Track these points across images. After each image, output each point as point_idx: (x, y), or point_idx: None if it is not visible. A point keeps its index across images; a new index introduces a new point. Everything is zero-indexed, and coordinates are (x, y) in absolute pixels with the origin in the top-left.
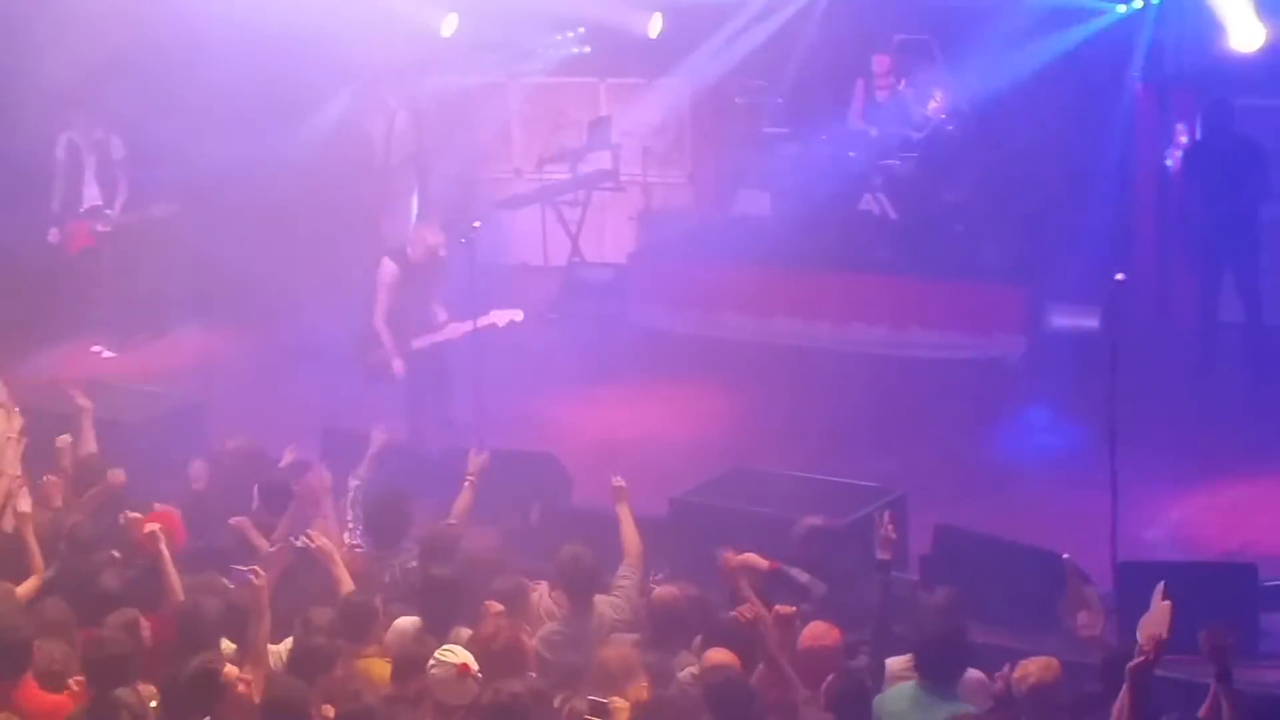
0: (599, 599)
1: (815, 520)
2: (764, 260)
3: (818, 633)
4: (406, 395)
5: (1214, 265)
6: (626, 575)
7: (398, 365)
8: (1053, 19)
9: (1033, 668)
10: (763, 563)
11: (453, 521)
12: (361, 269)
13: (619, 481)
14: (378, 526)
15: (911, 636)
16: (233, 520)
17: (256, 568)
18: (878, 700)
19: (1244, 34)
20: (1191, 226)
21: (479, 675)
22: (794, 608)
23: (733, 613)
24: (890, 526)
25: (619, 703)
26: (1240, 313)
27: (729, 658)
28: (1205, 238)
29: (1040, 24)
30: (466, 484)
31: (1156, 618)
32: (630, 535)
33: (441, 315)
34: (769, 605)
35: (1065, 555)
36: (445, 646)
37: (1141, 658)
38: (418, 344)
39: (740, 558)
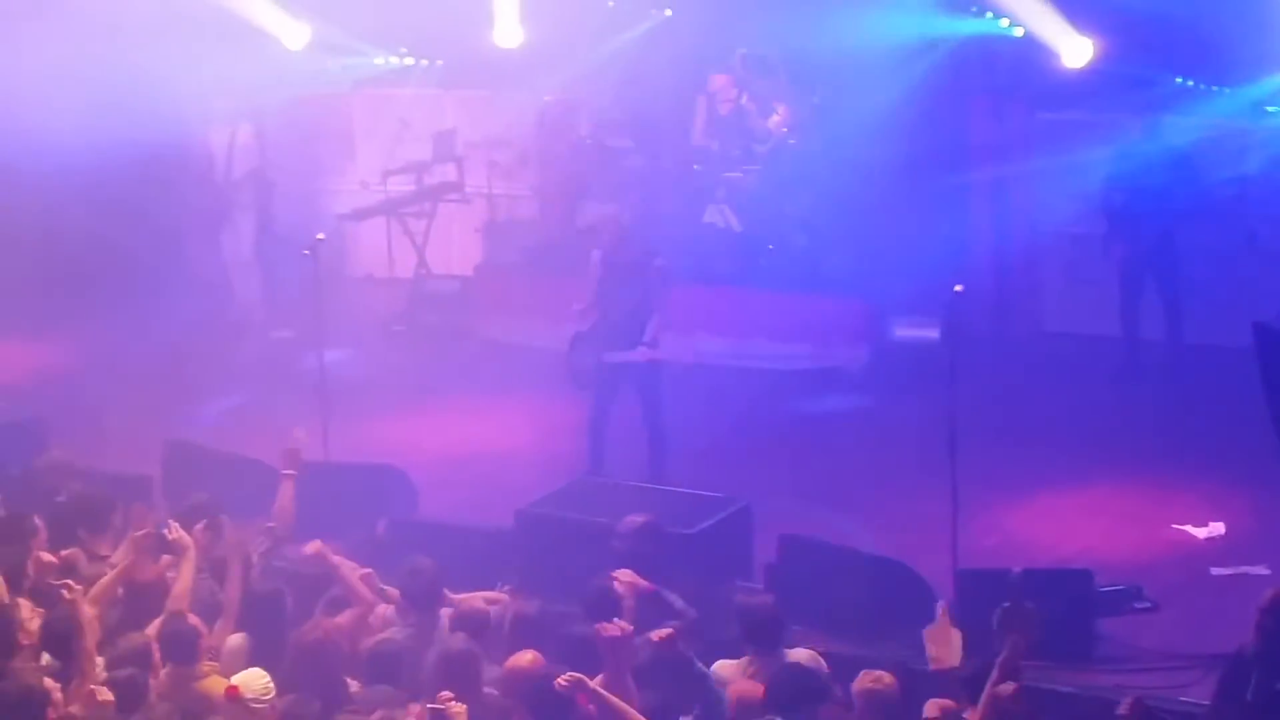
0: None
1: (638, 518)
2: None
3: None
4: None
5: (1136, 280)
6: None
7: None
8: (895, 37)
9: (868, 680)
10: (644, 583)
11: (271, 525)
12: (201, 283)
13: None
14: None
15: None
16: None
17: (69, 582)
18: None
19: (1072, 51)
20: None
21: (254, 703)
22: (671, 630)
23: (597, 627)
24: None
25: (456, 707)
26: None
27: (535, 660)
28: (1129, 253)
29: (884, 41)
30: (284, 479)
31: (950, 643)
32: None
33: (647, 335)
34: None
35: (940, 602)
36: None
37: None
38: (609, 358)
39: (630, 579)
